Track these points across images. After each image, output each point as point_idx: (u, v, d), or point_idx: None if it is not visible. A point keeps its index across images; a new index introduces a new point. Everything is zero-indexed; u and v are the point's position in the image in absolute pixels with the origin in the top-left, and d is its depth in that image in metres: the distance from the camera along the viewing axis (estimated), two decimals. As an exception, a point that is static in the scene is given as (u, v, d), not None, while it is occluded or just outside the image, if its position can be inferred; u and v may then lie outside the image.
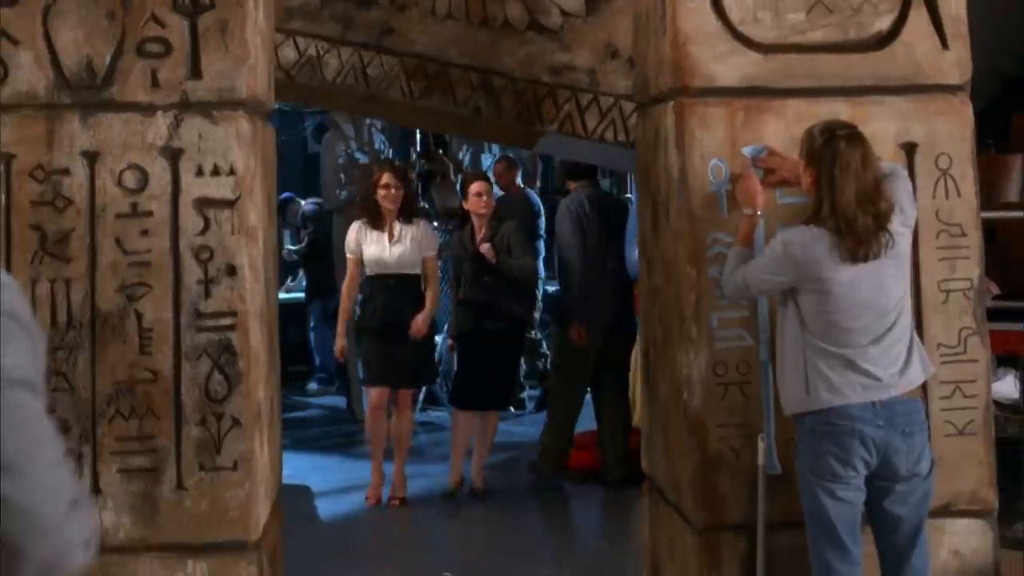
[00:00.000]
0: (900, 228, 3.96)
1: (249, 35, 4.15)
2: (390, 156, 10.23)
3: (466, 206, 7.89)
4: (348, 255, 7.67)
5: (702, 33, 4.29)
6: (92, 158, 4.10)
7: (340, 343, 7.78)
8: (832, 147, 3.92)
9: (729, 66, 4.29)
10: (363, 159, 10.01)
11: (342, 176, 9.82)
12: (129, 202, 4.10)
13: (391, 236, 7.52)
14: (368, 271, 7.58)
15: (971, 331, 4.32)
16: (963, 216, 4.34)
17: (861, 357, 3.93)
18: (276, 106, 4.91)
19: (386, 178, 7.58)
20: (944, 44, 4.34)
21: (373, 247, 7.52)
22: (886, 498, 3.99)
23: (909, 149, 4.33)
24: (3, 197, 4.08)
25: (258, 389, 4.14)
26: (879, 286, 3.95)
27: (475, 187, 7.86)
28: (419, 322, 7.48)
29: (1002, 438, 4.65)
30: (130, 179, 4.10)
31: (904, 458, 3.94)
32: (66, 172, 4.09)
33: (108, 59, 4.11)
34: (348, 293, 7.69)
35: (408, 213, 7.60)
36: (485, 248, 7.65)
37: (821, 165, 3.94)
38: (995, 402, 4.71)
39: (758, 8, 4.31)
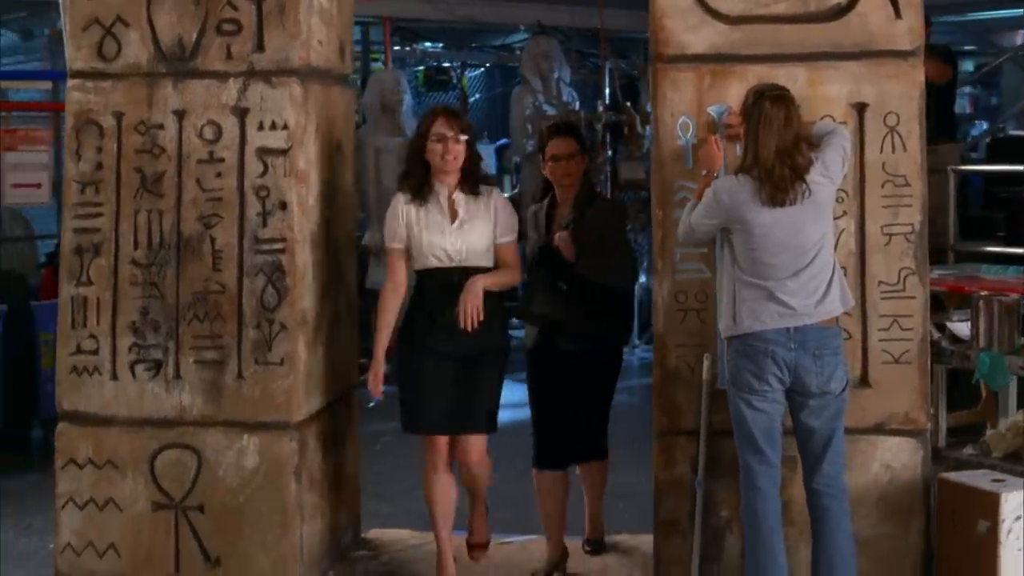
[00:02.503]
0: (819, 179, 4.55)
1: (303, 16, 5.13)
2: (576, 108, 11.06)
3: (543, 169, 5.55)
4: (390, 244, 5.20)
5: (676, 8, 4.97)
6: (180, 116, 5.19)
7: (378, 378, 5.12)
8: (759, 106, 4.55)
9: (699, 36, 4.95)
10: (550, 111, 10.89)
11: (529, 127, 10.74)
12: (207, 151, 5.17)
13: (453, 215, 5.09)
14: (419, 265, 5.15)
15: (910, 271, 4.86)
16: (907, 168, 4.86)
17: (780, 289, 4.55)
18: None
19: (440, 124, 5.07)
20: (897, 14, 4.85)
21: (430, 233, 5.08)
22: (801, 411, 4.61)
23: (860, 109, 4.88)
24: (115, 146, 5.24)
25: (303, 300, 5.15)
26: (797, 228, 4.55)
27: (552, 146, 5.41)
28: (477, 287, 5.02)
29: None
30: (208, 132, 5.17)
31: (814, 377, 4.55)
32: (161, 127, 5.20)
33: (194, 37, 5.17)
34: (391, 303, 5.18)
35: (474, 180, 5.15)
36: (560, 239, 5.25)
37: (749, 122, 4.58)
38: (955, 338, 5.18)
39: (726, -18, 4.94)
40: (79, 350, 5.24)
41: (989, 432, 5.01)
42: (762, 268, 4.58)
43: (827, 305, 4.58)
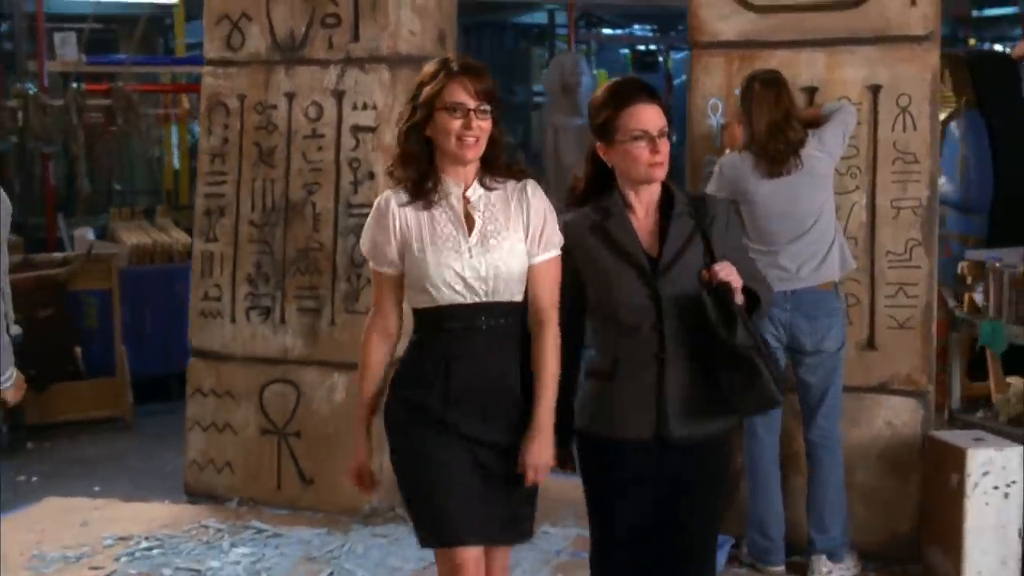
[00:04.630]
0: (815, 153, 4.95)
1: (391, 10, 5.87)
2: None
3: (604, 154, 3.50)
4: (376, 267, 3.58)
5: (710, -1, 5.44)
6: (290, 97, 6.04)
7: (362, 461, 3.67)
8: (751, 88, 4.99)
9: (730, 24, 5.41)
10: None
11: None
12: (311, 128, 6.00)
13: (470, 224, 3.45)
14: (422, 302, 3.46)
15: (917, 242, 5.18)
16: (917, 146, 5.18)
17: (780, 255, 4.98)
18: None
19: (455, 89, 3.39)
20: (913, 1, 5.17)
21: (440, 252, 3.42)
22: (799, 368, 5.04)
23: (874, 90, 5.22)
24: (238, 124, 6.14)
25: (386, 259, 5.90)
26: (793, 198, 4.96)
27: (633, 116, 3.42)
28: (535, 451, 3.38)
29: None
30: (312, 112, 5.99)
31: (808, 337, 4.96)
32: (275, 107, 6.06)
33: (303, 29, 6.01)
34: (377, 353, 3.60)
35: (497, 167, 3.49)
36: (726, 271, 3.35)
37: (744, 103, 5.03)
38: (976, 308, 5.43)
39: (756, -25, 5.38)
40: (206, 297, 6.18)
41: (998, 397, 5.27)
42: (765, 235, 5.01)
43: (824, 270, 4.98)
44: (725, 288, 3.34)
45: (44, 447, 7.33)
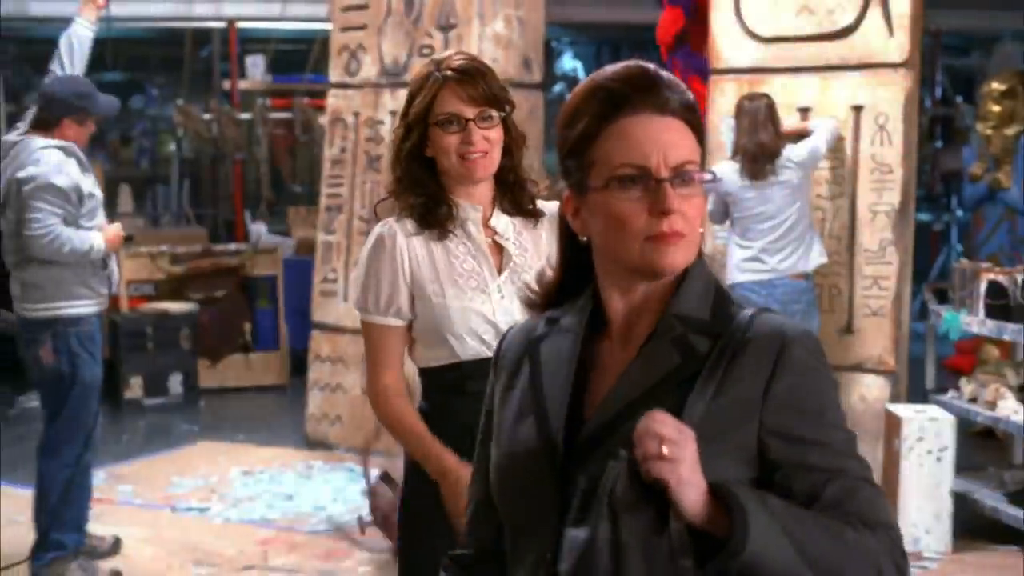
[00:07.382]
0: (787, 164, 5.82)
1: (473, 41, 7.01)
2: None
3: (571, 215, 1.77)
4: (380, 320, 2.81)
5: (726, 32, 6.36)
6: (394, 115, 7.24)
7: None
8: (739, 106, 5.90)
9: (741, 53, 6.32)
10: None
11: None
12: (408, 140, 7.19)
13: (500, 260, 2.85)
14: (434, 357, 2.81)
15: (889, 241, 5.97)
16: (892, 159, 5.98)
17: (758, 249, 5.88)
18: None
19: (449, 98, 2.76)
20: (891, 33, 5.97)
21: (463, 294, 2.80)
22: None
23: (857, 110, 6.05)
24: (354, 136, 7.41)
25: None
26: (768, 200, 5.84)
27: (628, 134, 1.65)
28: None
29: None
30: (410, 127, 7.19)
31: (782, 322, 5.77)
32: (381, 122, 7.30)
33: (404, 58, 7.23)
34: (410, 414, 2.82)
35: (519, 189, 2.86)
36: (641, 443, 1.52)
37: (735, 119, 5.94)
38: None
39: (764, 12, 6.26)
40: (325, 280, 7.47)
41: (963, 379, 5.96)
42: (746, 232, 5.92)
43: (798, 264, 5.85)
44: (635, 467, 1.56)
45: (213, 405, 8.79)
